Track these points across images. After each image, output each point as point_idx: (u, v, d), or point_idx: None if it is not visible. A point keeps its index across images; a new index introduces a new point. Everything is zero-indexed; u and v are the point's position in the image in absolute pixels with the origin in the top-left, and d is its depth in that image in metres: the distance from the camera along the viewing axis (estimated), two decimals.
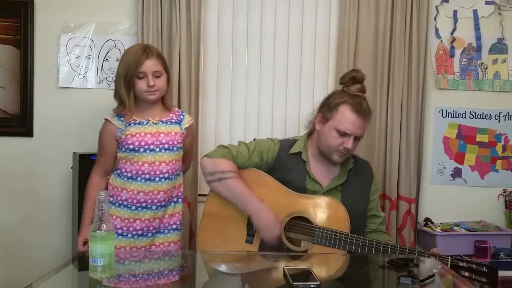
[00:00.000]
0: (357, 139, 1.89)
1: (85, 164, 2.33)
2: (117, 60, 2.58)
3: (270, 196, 1.88)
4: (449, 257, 1.72)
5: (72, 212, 2.51)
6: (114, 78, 2.05)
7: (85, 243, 1.98)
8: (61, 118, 2.63)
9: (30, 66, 2.61)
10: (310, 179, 1.94)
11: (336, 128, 1.86)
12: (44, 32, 2.62)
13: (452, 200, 2.74)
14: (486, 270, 1.65)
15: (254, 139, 2.07)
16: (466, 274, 1.67)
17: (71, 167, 2.48)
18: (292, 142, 2.01)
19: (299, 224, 1.85)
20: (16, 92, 2.61)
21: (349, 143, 1.85)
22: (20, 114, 2.62)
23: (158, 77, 1.98)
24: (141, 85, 1.96)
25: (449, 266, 1.70)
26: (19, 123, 2.62)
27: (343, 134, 1.86)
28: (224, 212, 1.91)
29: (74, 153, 2.45)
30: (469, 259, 1.73)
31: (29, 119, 2.62)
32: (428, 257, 1.72)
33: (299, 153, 1.96)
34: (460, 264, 1.70)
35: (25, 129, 2.62)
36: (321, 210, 1.85)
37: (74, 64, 2.63)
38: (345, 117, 1.85)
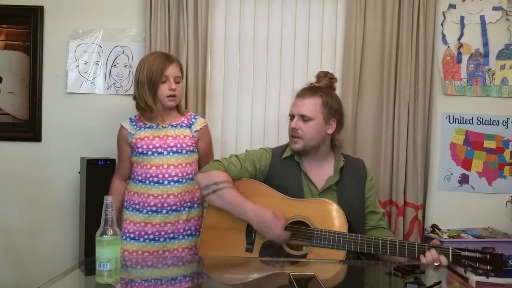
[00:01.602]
0: (304, 120, 1.94)
1: (92, 169, 2.34)
2: (125, 66, 2.63)
3: (266, 203, 1.89)
4: (450, 247, 1.68)
5: (80, 216, 2.53)
6: (134, 85, 2.08)
7: None
8: (69, 124, 2.65)
9: (39, 72, 2.64)
10: (306, 181, 1.96)
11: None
12: (53, 39, 2.65)
13: (459, 207, 2.72)
14: (490, 257, 1.61)
15: (246, 150, 2.10)
16: (469, 263, 1.61)
17: (79, 172, 2.49)
18: (284, 147, 2.05)
19: (297, 228, 1.86)
20: (25, 98, 2.64)
21: (292, 123, 1.96)
22: (28, 119, 2.64)
23: (178, 82, 2.04)
24: (164, 89, 2.01)
25: (450, 257, 1.66)
26: (27, 128, 2.64)
27: (291, 118, 1.98)
28: (222, 223, 1.92)
29: (82, 158, 2.47)
30: (471, 248, 1.66)
31: (37, 124, 2.64)
32: (428, 249, 1.69)
33: (292, 155, 2.00)
34: (462, 253, 1.64)
35: (34, 134, 2.64)
36: (317, 212, 1.86)
37: (82, 70, 2.65)
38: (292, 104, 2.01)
